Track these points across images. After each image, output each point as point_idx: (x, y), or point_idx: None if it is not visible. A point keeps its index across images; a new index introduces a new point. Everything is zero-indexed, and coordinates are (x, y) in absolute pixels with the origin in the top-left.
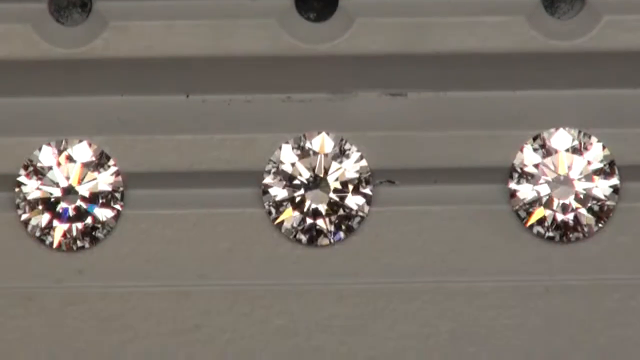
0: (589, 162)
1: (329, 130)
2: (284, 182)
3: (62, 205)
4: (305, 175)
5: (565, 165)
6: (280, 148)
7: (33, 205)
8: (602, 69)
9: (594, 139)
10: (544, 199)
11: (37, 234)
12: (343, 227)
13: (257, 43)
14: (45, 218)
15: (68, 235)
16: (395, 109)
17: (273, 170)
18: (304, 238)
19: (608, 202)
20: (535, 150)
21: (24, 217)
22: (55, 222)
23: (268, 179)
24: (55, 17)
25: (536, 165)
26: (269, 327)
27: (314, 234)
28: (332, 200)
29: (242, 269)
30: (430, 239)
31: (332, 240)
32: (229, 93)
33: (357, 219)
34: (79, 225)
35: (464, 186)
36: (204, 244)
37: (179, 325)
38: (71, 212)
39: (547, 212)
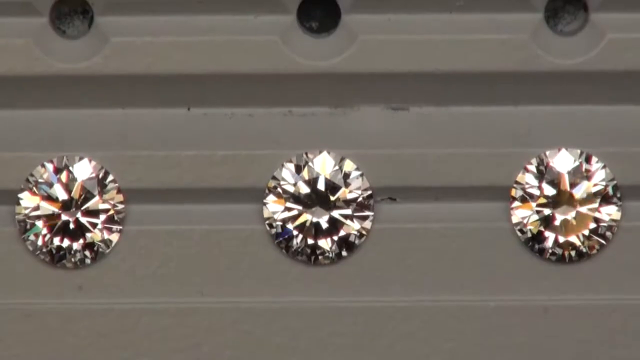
0: (590, 182)
1: (330, 144)
2: (285, 200)
3: (63, 221)
4: (306, 193)
5: (567, 185)
6: (282, 166)
7: (33, 221)
8: (606, 87)
9: (595, 160)
10: (545, 219)
11: (38, 250)
12: (344, 245)
13: (259, 60)
14: (45, 234)
15: (68, 252)
16: (397, 123)
17: (274, 187)
18: (305, 256)
19: (609, 222)
20: (537, 169)
21: (24, 233)
22: (56, 239)
23: (269, 197)
24: (57, 25)
25: (538, 185)
26: (269, 345)
27: (315, 251)
28: (333, 218)
29: (242, 286)
30: (431, 257)
31: (332, 258)
32: (230, 107)
33: (358, 237)
34: (80, 241)
35: (465, 204)
36: (204, 261)
37: (180, 343)
38: (72, 229)
39: (548, 232)
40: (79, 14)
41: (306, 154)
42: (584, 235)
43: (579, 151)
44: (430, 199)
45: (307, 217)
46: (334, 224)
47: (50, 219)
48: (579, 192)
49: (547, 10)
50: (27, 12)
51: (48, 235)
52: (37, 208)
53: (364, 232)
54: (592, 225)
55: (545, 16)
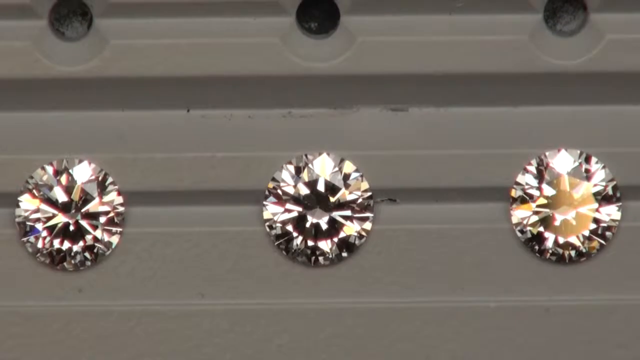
0: (590, 183)
1: (329, 146)
2: (285, 202)
3: (63, 223)
4: (306, 194)
5: (567, 185)
6: (282, 168)
7: (33, 223)
8: (605, 88)
9: (595, 160)
10: (545, 219)
11: (38, 252)
12: (344, 246)
13: (258, 62)
14: (45, 237)
15: (68, 254)
16: (396, 125)
17: (274, 189)
18: (304, 257)
19: (609, 223)
20: (536, 170)
21: (24, 235)
22: (56, 241)
23: (269, 198)
24: (56, 26)
25: (537, 186)
26: (269, 347)
27: (315, 253)
28: (333, 219)
29: (242, 288)
30: (430, 258)
31: (333, 260)
32: (229, 108)
33: (358, 238)
34: (80, 243)
35: (465, 205)
36: (204, 262)
37: (180, 345)
38: (71, 231)
39: (548, 233)
40: (78, 16)
41: (306, 155)
42: (583, 235)
43: (578, 152)
44: (430, 200)
45: (307, 218)
46: (334, 225)
47: (50, 221)
48: (578, 193)
49: (547, 10)
50: (27, 15)
51: (48, 238)
52: (37, 210)
53: (364, 233)
54: (592, 225)
55: (544, 17)
